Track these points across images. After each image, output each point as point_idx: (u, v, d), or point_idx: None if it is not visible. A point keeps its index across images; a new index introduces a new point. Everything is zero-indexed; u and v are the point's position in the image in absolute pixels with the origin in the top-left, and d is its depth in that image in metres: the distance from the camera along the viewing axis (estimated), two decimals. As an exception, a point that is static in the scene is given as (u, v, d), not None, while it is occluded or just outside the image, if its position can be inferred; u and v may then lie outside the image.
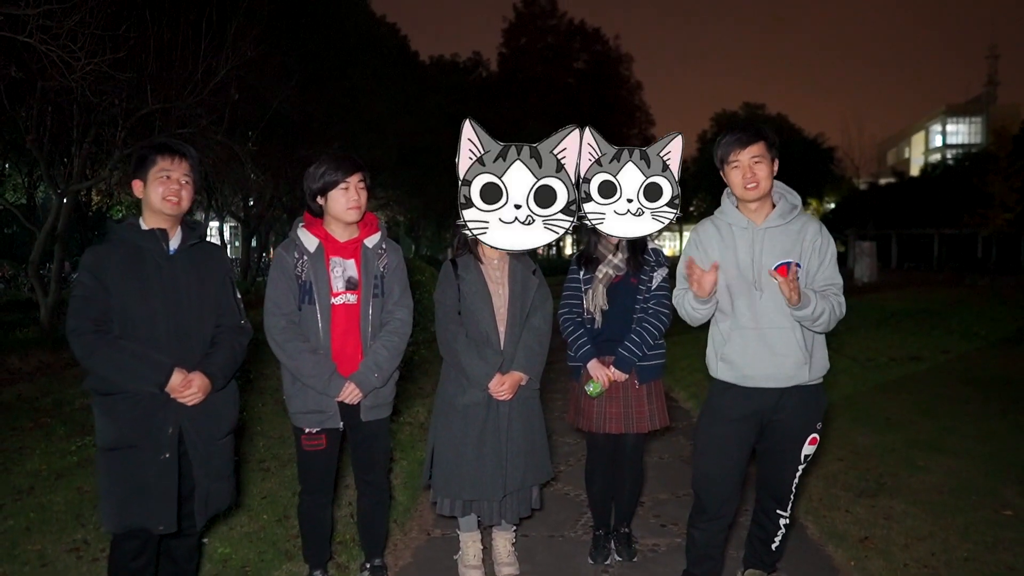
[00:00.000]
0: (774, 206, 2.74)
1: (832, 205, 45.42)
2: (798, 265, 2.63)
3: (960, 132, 56.31)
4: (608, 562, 3.36)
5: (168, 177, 2.47)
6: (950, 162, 39.96)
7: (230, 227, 29.55)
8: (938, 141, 56.54)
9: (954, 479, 4.41)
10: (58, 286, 10.71)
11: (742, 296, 2.71)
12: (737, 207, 2.77)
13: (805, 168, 41.89)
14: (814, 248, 2.68)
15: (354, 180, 2.79)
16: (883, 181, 43.03)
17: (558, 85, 46.79)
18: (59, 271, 10.92)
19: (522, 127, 29.67)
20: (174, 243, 2.53)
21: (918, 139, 60.23)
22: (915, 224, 34.95)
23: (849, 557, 3.39)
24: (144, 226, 2.51)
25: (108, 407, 2.42)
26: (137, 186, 2.50)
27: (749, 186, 2.66)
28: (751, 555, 3.01)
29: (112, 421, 2.41)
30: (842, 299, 2.67)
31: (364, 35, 23.17)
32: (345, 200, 2.78)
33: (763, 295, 2.67)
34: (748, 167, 2.66)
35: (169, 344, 2.45)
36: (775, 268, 2.64)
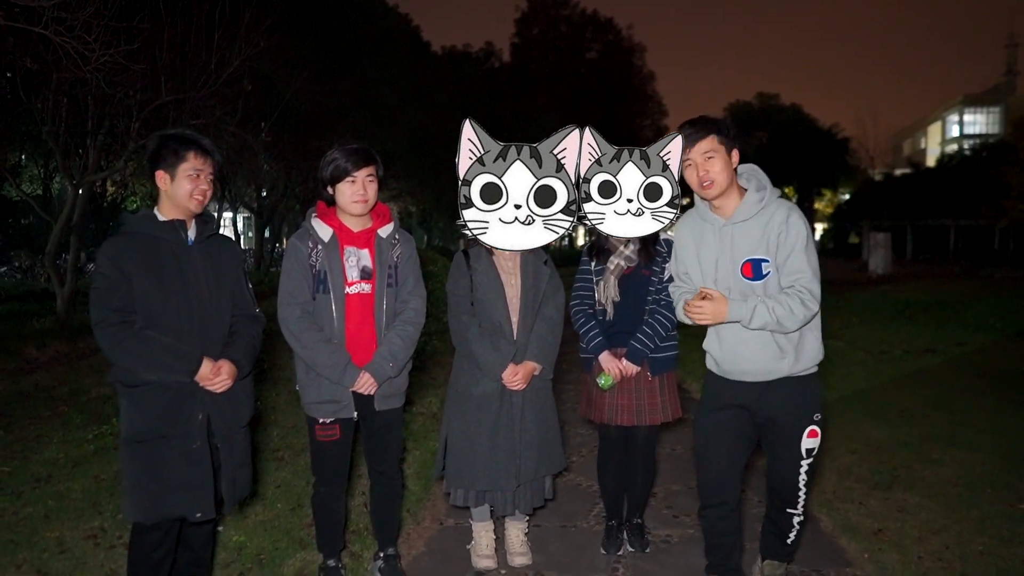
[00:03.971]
0: (744, 192, 2.66)
1: (847, 196, 45.04)
2: (764, 260, 2.58)
3: (977, 122, 55.51)
4: (621, 553, 3.37)
5: (198, 175, 2.49)
6: (967, 152, 39.44)
7: (243, 218, 29.67)
8: (955, 131, 55.77)
9: (969, 472, 4.38)
10: (74, 276, 10.81)
11: (719, 289, 2.64)
12: (702, 196, 2.73)
13: (820, 158, 41.50)
14: (780, 240, 2.55)
15: (362, 174, 2.78)
16: (899, 172, 42.53)
17: (571, 75, 46.54)
18: (75, 261, 11.02)
19: (534, 118, 29.55)
20: (191, 234, 2.55)
21: (935, 129, 59.43)
22: (931, 215, 34.57)
23: (863, 549, 3.38)
24: (161, 217, 2.52)
25: (136, 399, 2.43)
26: (162, 177, 2.49)
27: (704, 185, 2.62)
28: (767, 547, 2.99)
29: (140, 412, 2.43)
30: (808, 292, 2.50)
31: (376, 26, 23.12)
32: (351, 193, 2.78)
33: (730, 291, 2.62)
34: (700, 164, 2.61)
35: (191, 334, 2.47)
36: (741, 266, 2.61)
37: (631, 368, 3.13)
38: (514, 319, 3.06)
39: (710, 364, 2.81)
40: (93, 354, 8.46)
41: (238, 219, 25.76)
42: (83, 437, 5.01)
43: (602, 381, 3.12)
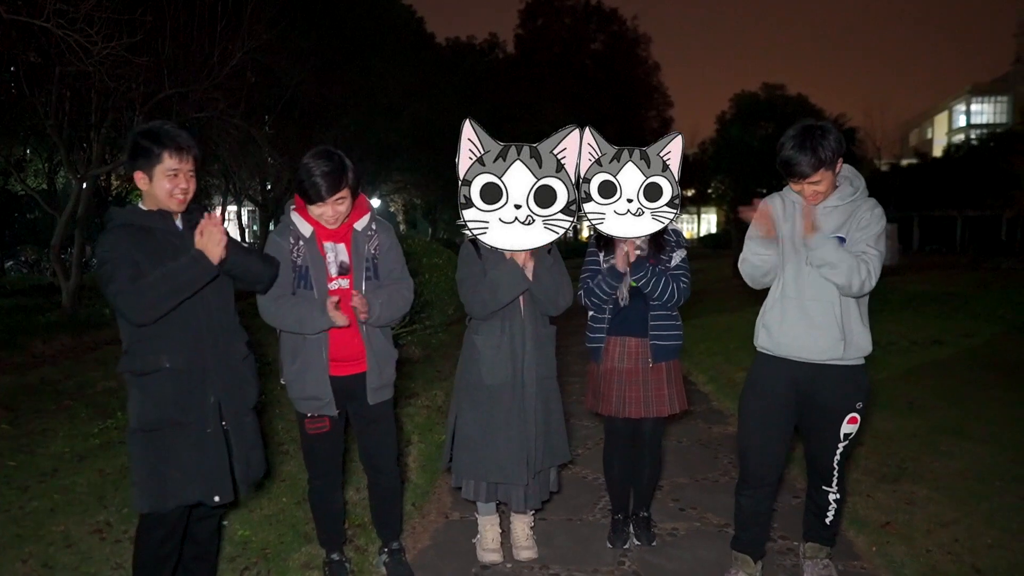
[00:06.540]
0: (837, 186, 2.77)
1: (853, 187, 44.48)
2: (843, 239, 2.69)
3: (985, 112, 55.08)
4: (627, 546, 3.35)
5: (176, 175, 2.44)
6: (974, 142, 39.17)
7: (248, 211, 29.64)
8: (962, 121, 55.38)
9: (978, 465, 4.35)
10: (79, 270, 10.83)
11: (791, 266, 2.80)
12: None
13: (826, 149, 40.74)
14: (859, 224, 2.72)
15: (332, 200, 2.70)
16: (905, 162, 42.31)
17: (575, 67, 46.31)
18: (80, 255, 11.05)
19: (538, 109, 29.41)
20: (179, 222, 2.52)
21: (941, 119, 59.03)
22: (937, 206, 34.36)
23: (871, 542, 3.36)
24: (145, 208, 2.49)
25: (147, 387, 2.41)
26: (141, 178, 2.44)
27: (810, 200, 2.74)
28: (809, 529, 3.06)
29: (153, 400, 2.41)
30: (871, 266, 2.63)
31: (380, 17, 23.04)
32: (319, 213, 2.74)
33: (811, 268, 2.73)
34: (807, 189, 2.72)
35: (197, 318, 2.45)
36: None
37: (631, 247, 3.08)
38: (523, 306, 3.06)
39: (764, 342, 2.88)
40: (99, 348, 8.48)
41: (243, 212, 25.71)
42: (89, 431, 5.01)
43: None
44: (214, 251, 2.38)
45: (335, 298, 2.71)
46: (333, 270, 2.80)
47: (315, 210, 2.74)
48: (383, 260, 2.90)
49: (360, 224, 2.87)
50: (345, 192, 2.73)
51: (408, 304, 2.95)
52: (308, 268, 2.77)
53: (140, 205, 2.51)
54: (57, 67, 8.50)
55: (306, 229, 2.79)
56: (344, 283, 2.81)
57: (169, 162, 2.42)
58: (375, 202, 28.77)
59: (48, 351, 8.32)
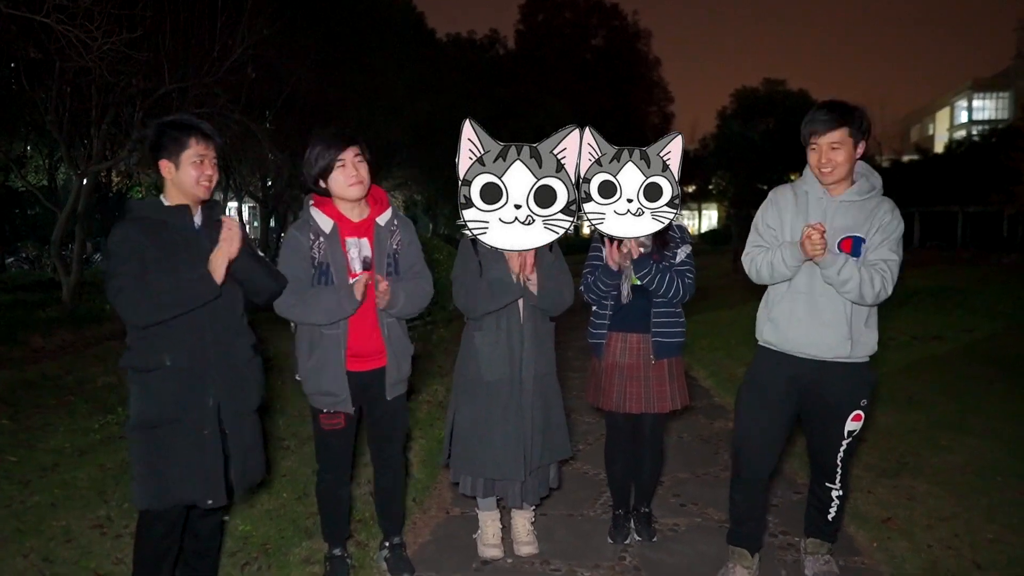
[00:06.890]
0: (854, 182, 2.74)
1: (854, 183, 44.42)
2: (863, 240, 2.66)
3: (986, 107, 54.88)
4: (628, 542, 3.35)
5: (202, 161, 2.45)
6: (976, 138, 39.09)
7: (248, 207, 29.63)
8: (963, 117, 55.20)
9: (979, 459, 4.35)
10: (79, 266, 10.84)
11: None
12: (818, 178, 2.78)
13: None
14: (881, 226, 2.68)
15: (349, 155, 2.72)
16: (906, 158, 42.24)
17: (576, 62, 46.27)
18: (80, 251, 11.05)
19: (539, 104, 29.35)
20: (198, 220, 2.52)
21: (943, 115, 58.83)
22: (939, 202, 34.30)
23: (872, 538, 3.36)
24: (167, 203, 2.49)
25: (148, 384, 2.41)
26: (166, 166, 2.45)
27: (824, 170, 2.67)
28: (810, 524, 3.06)
29: (152, 398, 2.41)
30: (888, 276, 2.62)
31: (380, 13, 22.95)
32: (344, 177, 2.73)
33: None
34: (825, 151, 2.65)
35: (203, 318, 2.44)
36: (840, 241, 2.67)
37: (634, 244, 3.08)
38: (521, 303, 3.05)
39: (768, 337, 2.86)
40: (99, 343, 8.49)
41: (243, 208, 25.67)
42: (89, 426, 5.01)
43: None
44: (231, 250, 2.40)
45: (363, 277, 2.70)
46: (356, 266, 2.79)
47: (339, 178, 2.72)
48: (404, 255, 2.90)
49: (383, 219, 2.87)
50: (358, 149, 2.74)
51: (428, 297, 2.96)
52: (328, 264, 2.75)
53: (162, 198, 2.51)
54: (57, 63, 8.49)
55: (326, 224, 2.78)
56: (367, 278, 2.80)
57: (196, 148, 2.44)
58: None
59: (48, 346, 8.32)
